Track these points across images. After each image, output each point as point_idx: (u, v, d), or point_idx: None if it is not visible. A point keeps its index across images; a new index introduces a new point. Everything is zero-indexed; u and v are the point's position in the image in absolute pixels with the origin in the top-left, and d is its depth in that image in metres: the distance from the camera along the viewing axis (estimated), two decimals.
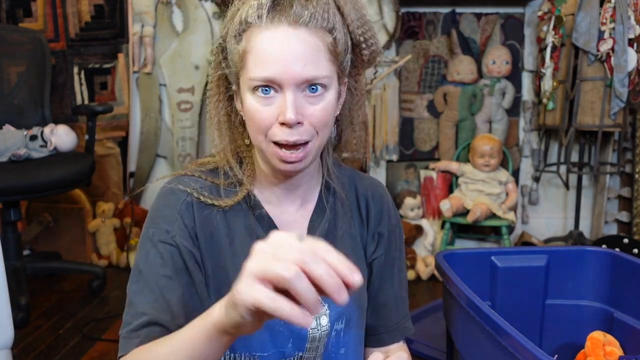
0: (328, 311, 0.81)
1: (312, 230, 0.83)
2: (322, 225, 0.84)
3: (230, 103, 0.80)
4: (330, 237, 0.84)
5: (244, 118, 0.77)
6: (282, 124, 0.69)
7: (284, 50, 0.67)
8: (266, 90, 0.69)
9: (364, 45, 0.76)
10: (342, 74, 0.75)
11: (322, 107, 0.71)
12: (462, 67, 2.47)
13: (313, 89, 0.69)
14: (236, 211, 0.79)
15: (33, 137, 2.09)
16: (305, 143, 0.71)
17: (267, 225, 0.80)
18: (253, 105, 0.71)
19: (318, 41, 0.69)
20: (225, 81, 0.79)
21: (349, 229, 0.86)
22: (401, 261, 0.92)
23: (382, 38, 2.48)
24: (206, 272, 0.77)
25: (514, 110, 2.57)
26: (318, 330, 0.80)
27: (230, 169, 0.80)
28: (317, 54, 0.69)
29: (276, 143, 0.71)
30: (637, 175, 2.45)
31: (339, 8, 0.72)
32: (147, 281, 0.72)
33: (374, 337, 0.91)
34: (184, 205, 0.76)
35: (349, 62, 0.76)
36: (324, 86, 0.70)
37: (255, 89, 0.70)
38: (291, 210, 0.83)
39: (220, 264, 0.77)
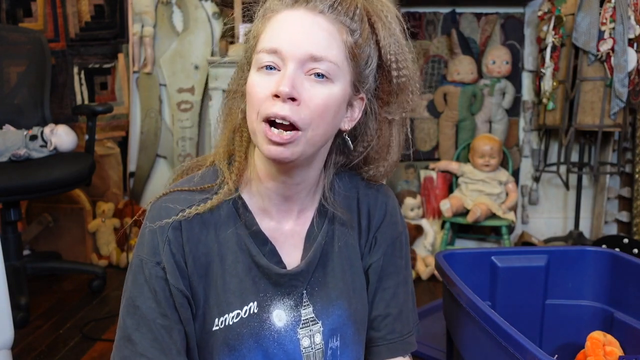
0: (321, 328, 0.78)
1: (308, 243, 0.80)
2: (319, 238, 0.80)
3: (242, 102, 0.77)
4: (328, 248, 0.81)
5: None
6: (276, 96, 0.65)
7: (296, 25, 0.67)
8: (271, 67, 0.67)
9: (394, 66, 0.74)
10: (359, 85, 0.73)
11: (324, 95, 0.67)
12: (462, 67, 2.48)
13: (318, 75, 0.67)
14: (228, 226, 0.76)
15: (33, 137, 2.09)
16: (296, 129, 0.66)
17: (260, 240, 0.77)
18: (253, 80, 0.69)
19: (335, 31, 0.68)
20: (242, 71, 0.78)
21: (348, 239, 0.82)
22: (407, 272, 0.86)
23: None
24: (195, 296, 0.74)
25: (514, 110, 2.57)
26: (312, 348, 0.78)
27: (227, 165, 0.77)
28: (329, 39, 0.67)
29: (267, 121, 0.67)
30: (637, 175, 2.45)
31: (370, 20, 0.71)
32: (144, 318, 0.71)
33: (373, 349, 0.85)
34: (170, 231, 0.72)
35: (372, 78, 0.74)
36: (329, 76, 0.67)
37: (260, 65, 0.68)
38: (288, 222, 0.79)
39: (211, 283, 0.75)
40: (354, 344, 0.82)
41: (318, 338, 0.78)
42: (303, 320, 0.78)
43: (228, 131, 0.80)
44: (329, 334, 0.79)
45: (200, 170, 0.81)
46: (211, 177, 0.78)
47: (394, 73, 0.74)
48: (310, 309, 0.79)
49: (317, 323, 0.79)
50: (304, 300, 0.79)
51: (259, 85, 0.67)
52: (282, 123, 0.66)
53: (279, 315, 0.77)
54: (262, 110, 0.67)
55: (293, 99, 0.65)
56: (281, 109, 0.65)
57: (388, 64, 0.74)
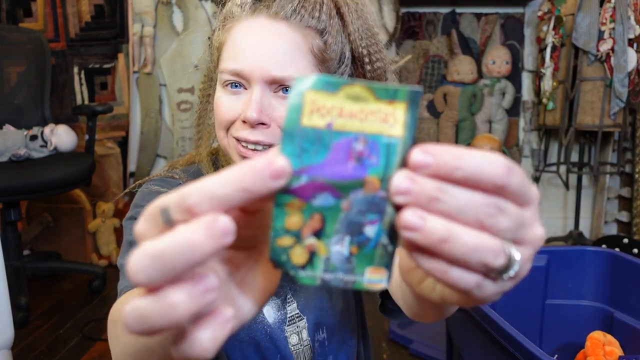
0: (306, 324, 0.78)
1: None
2: None
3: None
4: None
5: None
6: (244, 121, 0.63)
7: (257, 43, 0.62)
8: (236, 85, 0.65)
9: (367, 60, 0.70)
10: None
11: None
12: (462, 67, 2.48)
13: (286, 90, 0.64)
14: None
15: (33, 137, 2.09)
16: (270, 145, 0.64)
17: None
18: (219, 99, 0.66)
19: (300, 39, 0.63)
20: (212, 80, 0.76)
21: None
22: None
23: (382, 38, 2.48)
24: None
25: (513, 110, 2.57)
26: (300, 345, 0.77)
27: (213, 168, 0.76)
28: (294, 53, 0.63)
29: (237, 139, 0.65)
30: (636, 175, 2.45)
31: (339, 11, 0.66)
32: (131, 247, 0.66)
33: None
34: None
35: (346, 75, 0.71)
36: None
37: (225, 83, 0.65)
38: None
39: None
40: (342, 332, 0.81)
41: (305, 334, 0.78)
42: (289, 317, 0.78)
43: (206, 132, 0.79)
44: (314, 329, 0.78)
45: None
46: (196, 174, 0.77)
47: (367, 67, 0.71)
48: (295, 304, 0.79)
49: (303, 318, 0.78)
50: (289, 297, 0.79)
51: (226, 106, 0.65)
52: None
53: (269, 312, 0.77)
54: (232, 132, 0.65)
55: (263, 123, 0.64)
56: (252, 135, 0.64)
57: (360, 58, 0.71)
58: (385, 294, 0.76)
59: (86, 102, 2.60)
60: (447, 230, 0.26)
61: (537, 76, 2.46)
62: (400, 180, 0.27)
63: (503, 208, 0.27)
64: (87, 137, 2.17)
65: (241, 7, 0.65)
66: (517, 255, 0.29)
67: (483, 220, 0.27)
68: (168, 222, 0.26)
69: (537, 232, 0.30)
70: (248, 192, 0.25)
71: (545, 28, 2.36)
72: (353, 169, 0.27)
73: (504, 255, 0.27)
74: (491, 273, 0.28)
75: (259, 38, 0.63)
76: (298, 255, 0.28)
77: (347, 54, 0.68)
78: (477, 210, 0.27)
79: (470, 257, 0.27)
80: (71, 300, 2.09)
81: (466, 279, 0.28)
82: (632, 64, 2.16)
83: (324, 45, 0.64)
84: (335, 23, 0.66)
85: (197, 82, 2.57)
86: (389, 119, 0.27)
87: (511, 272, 0.29)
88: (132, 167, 2.63)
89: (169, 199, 0.26)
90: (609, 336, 1.13)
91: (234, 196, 0.25)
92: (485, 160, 0.27)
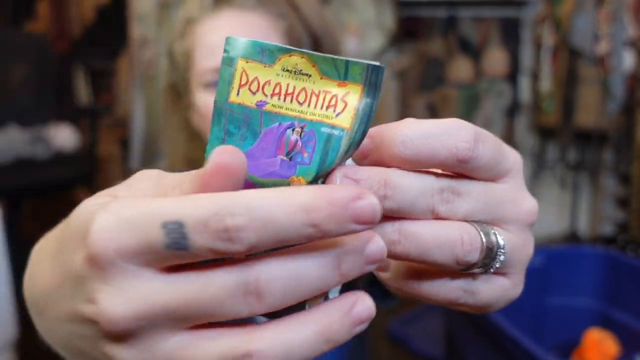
0: None
1: None
2: None
3: (183, 114, 0.72)
4: None
5: (198, 128, 0.68)
6: None
7: (230, 34, 0.60)
8: None
9: (323, 41, 0.68)
10: None
11: None
12: (461, 69, 2.49)
13: None
14: None
15: (36, 138, 2.11)
16: None
17: None
18: (207, 102, 0.62)
19: (270, 23, 0.62)
20: (176, 90, 0.72)
21: None
22: None
23: (381, 40, 2.50)
24: None
25: (511, 112, 2.59)
26: None
27: None
28: (270, 35, 0.61)
29: None
30: (633, 176, 2.47)
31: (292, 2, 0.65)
32: None
33: None
34: None
35: None
36: None
37: (208, 84, 0.62)
38: None
39: None
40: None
41: None
42: None
43: (182, 136, 0.76)
44: None
45: None
46: None
47: (325, 49, 0.69)
48: None
49: None
50: None
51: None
52: None
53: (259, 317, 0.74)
54: None
55: None
56: None
57: (316, 37, 0.68)
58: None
59: (89, 102, 2.62)
60: (396, 229, 0.21)
61: (535, 77, 2.48)
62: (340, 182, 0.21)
63: (461, 189, 0.22)
64: (89, 137, 2.18)
65: (202, 8, 0.64)
66: (499, 239, 0.23)
67: (437, 209, 0.22)
68: (178, 247, 0.17)
69: (524, 206, 0.25)
70: (317, 229, 0.17)
71: (543, 30, 2.38)
72: (280, 165, 0.21)
73: (477, 243, 0.22)
74: (473, 269, 0.23)
75: (231, 29, 0.61)
76: None
77: (304, 36, 0.67)
78: (429, 199, 0.21)
79: (433, 254, 0.21)
80: None
81: (448, 290, 0.22)
82: (628, 65, 2.18)
83: (290, 28, 0.63)
84: (290, 10, 0.65)
85: None
86: (337, 105, 0.21)
87: (496, 264, 0.23)
88: (133, 167, 2.64)
89: (181, 209, 0.17)
90: (606, 333, 1.15)
91: (297, 230, 0.17)
92: (442, 128, 0.21)
